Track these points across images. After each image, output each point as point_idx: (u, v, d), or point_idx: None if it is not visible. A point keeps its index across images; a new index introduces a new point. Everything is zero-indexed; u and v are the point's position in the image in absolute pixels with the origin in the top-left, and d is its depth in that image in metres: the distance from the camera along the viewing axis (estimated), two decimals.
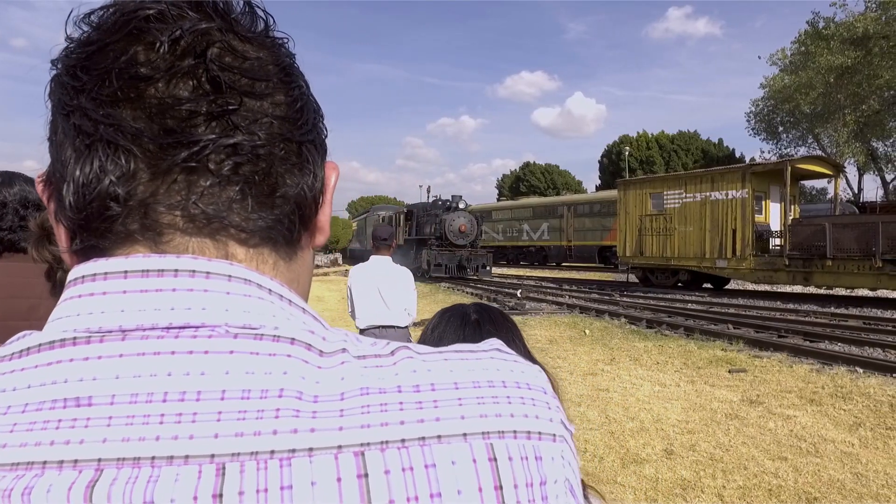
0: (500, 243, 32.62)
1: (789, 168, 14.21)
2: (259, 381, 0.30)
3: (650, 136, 50.00)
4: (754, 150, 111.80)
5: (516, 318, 10.70)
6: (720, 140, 49.20)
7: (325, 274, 26.46)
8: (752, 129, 34.83)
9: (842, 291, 14.41)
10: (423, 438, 0.31)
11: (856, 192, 34.32)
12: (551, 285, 18.44)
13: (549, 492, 0.34)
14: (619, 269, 20.60)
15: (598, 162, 53.97)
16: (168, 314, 0.32)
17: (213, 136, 0.33)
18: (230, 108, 0.34)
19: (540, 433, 0.35)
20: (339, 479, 0.29)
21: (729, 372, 6.56)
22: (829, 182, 17.85)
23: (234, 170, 0.34)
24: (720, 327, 9.44)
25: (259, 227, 0.36)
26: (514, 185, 59.90)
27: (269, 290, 0.35)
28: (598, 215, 27.62)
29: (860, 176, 34.46)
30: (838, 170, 16.35)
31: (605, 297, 14.31)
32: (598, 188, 48.06)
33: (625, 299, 13.81)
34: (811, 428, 4.68)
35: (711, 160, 43.49)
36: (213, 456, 0.28)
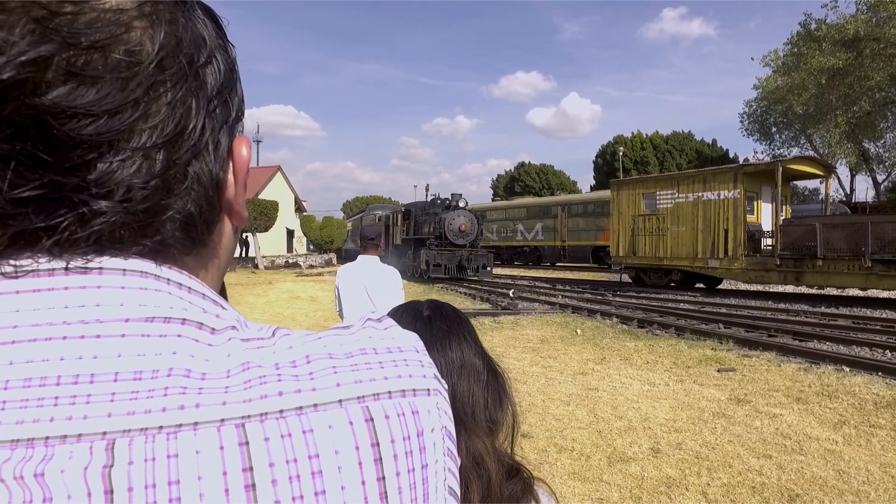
0: (494, 243, 32.66)
1: (780, 168, 14.31)
2: (150, 362, 0.32)
3: (644, 136, 50.18)
4: (748, 150, 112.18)
5: (508, 319, 10.75)
6: (714, 140, 49.46)
7: (320, 274, 26.43)
8: (746, 130, 35.01)
9: (833, 291, 14.52)
10: (301, 408, 0.33)
11: (848, 192, 34.55)
12: (545, 285, 18.48)
13: (427, 440, 0.37)
14: (612, 269, 20.67)
15: (593, 162, 54.15)
16: (62, 313, 0.33)
17: None
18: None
19: (414, 390, 0.38)
20: (221, 448, 0.31)
21: (718, 371, 6.61)
22: (821, 182, 17.96)
23: None
24: (711, 327, 9.49)
25: None
26: (509, 185, 59.96)
27: (168, 279, 0.36)
28: (592, 215, 27.71)
29: (852, 177, 34.70)
30: (829, 170, 16.47)
31: (598, 297, 14.36)
32: (592, 188, 48.20)
33: (617, 299, 13.86)
34: (797, 426, 4.73)
35: (705, 160, 43.67)
36: (104, 433, 0.30)
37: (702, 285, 16.99)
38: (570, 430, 4.70)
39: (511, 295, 14.61)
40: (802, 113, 30.14)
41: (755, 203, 15.50)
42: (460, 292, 16.50)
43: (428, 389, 0.39)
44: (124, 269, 0.35)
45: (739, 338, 8.34)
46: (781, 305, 12.68)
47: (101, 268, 0.34)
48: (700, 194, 15.46)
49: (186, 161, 0.37)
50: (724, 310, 11.71)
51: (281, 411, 0.33)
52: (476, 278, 20.13)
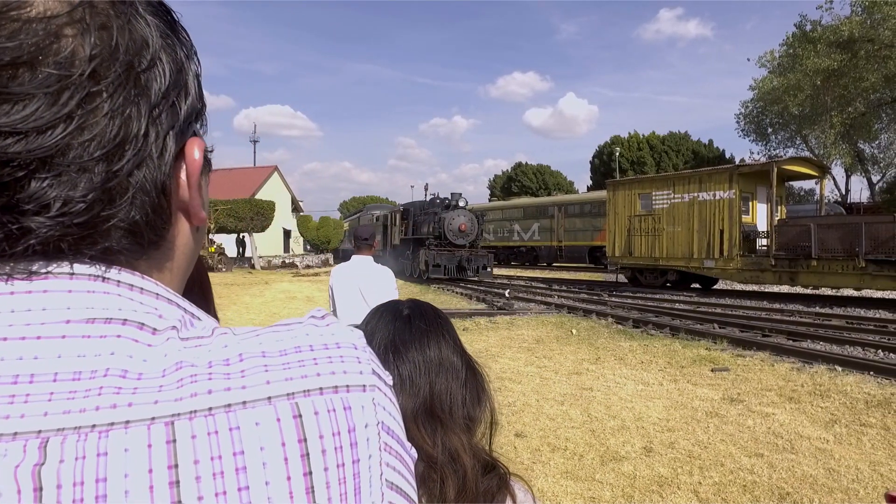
0: (491, 244, 32.65)
1: (775, 169, 14.36)
2: (88, 363, 0.33)
3: (641, 136, 50.26)
4: (744, 151, 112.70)
5: (504, 319, 10.76)
6: (710, 141, 49.55)
7: (316, 274, 26.40)
8: (742, 131, 35.16)
9: (828, 291, 14.58)
10: (230, 405, 0.34)
11: (843, 193, 34.70)
12: (541, 285, 18.51)
13: (359, 436, 0.37)
14: (608, 269, 20.69)
15: (590, 162, 54.20)
16: (6, 317, 0.34)
17: None
18: None
19: (348, 386, 0.38)
20: (149, 446, 0.32)
21: (712, 371, 6.64)
22: (816, 183, 18.03)
23: None
24: (706, 327, 9.53)
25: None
26: (505, 185, 60.00)
27: (118, 281, 0.37)
28: (588, 216, 27.75)
29: (847, 177, 34.87)
30: (824, 171, 16.54)
31: (594, 298, 14.39)
32: (589, 189, 48.25)
33: (613, 299, 13.89)
34: (788, 425, 4.76)
35: (702, 161, 43.77)
36: (39, 432, 0.31)
37: (697, 285, 17.04)
38: (563, 429, 4.72)
39: (507, 295, 14.64)
40: (798, 114, 30.27)
41: (750, 203, 15.56)
42: (456, 292, 16.52)
43: (363, 385, 0.39)
44: (72, 274, 0.35)
45: (734, 338, 8.38)
46: (776, 305, 12.74)
47: (48, 272, 0.35)
48: (696, 195, 15.51)
49: (129, 171, 0.36)
50: (719, 310, 11.75)
51: (210, 409, 0.33)
52: (476, 279, 19.85)
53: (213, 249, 29.15)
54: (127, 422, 0.32)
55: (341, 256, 37.82)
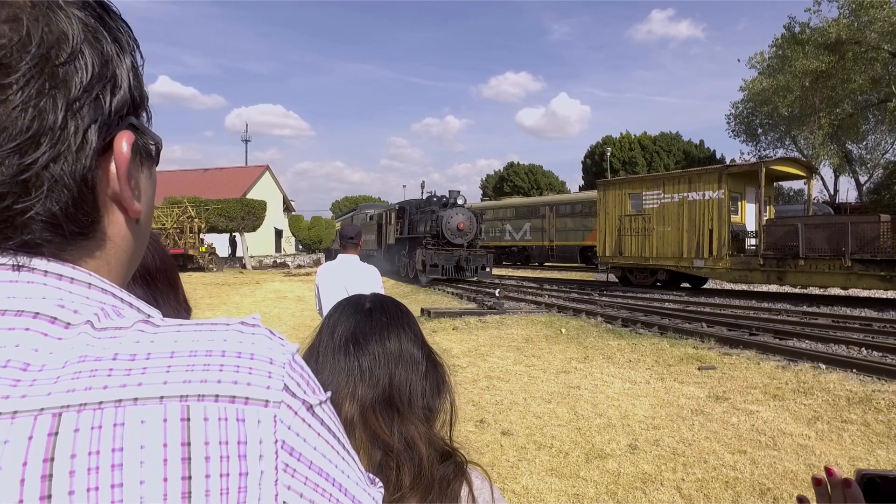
0: (482, 243, 32.70)
1: (764, 169, 14.49)
2: None
3: (633, 137, 50.50)
4: (735, 151, 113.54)
5: (494, 318, 10.79)
6: (701, 141, 49.84)
7: (308, 274, 26.32)
8: (733, 131, 35.39)
9: (816, 290, 14.73)
10: (120, 401, 0.34)
11: (832, 193, 35.05)
12: (532, 285, 18.56)
13: (250, 450, 0.36)
14: (599, 269, 20.77)
15: (582, 163, 54.37)
16: None
17: None
18: None
19: (247, 398, 0.37)
20: (30, 437, 0.32)
21: (698, 369, 6.70)
22: (804, 183, 18.21)
23: None
24: (694, 326, 9.61)
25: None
26: (498, 185, 60.07)
27: (45, 272, 0.38)
28: (579, 215, 27.86)
29: (836, 178, 35.22)
30: (811, 171, 16.70)
31: (585, 297, 14.46)
32: (581, 189, 48.43)
33: (603, 299, 13.97)
34: (772, 422, 4.81)
35: (693, 161, 44.05)
36: None
37: (687, 285, 17.16)
38: (550, 427, 4.75)
39: (497, 294, 14.67)
40: (788, 115, 30.52)
41: (739, 203, 15.70)
42: (447, 292, 16.54)
43: (266, 401, 0.38)
44: None
45: (721, 336, 8.45)
46: (764, 305, 12.85)
47: None
48: (685, 195, 15.62)
49: (44, 163, 0.36)
50: (707, 309, 11.85)
51: (100, 403, 0.34)
52: (475, 279, 19.21)
53: (203, 249, 29.01)
54: (15, 412, 0.32)
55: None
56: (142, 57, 0.45)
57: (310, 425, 0.40)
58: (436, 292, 16.88)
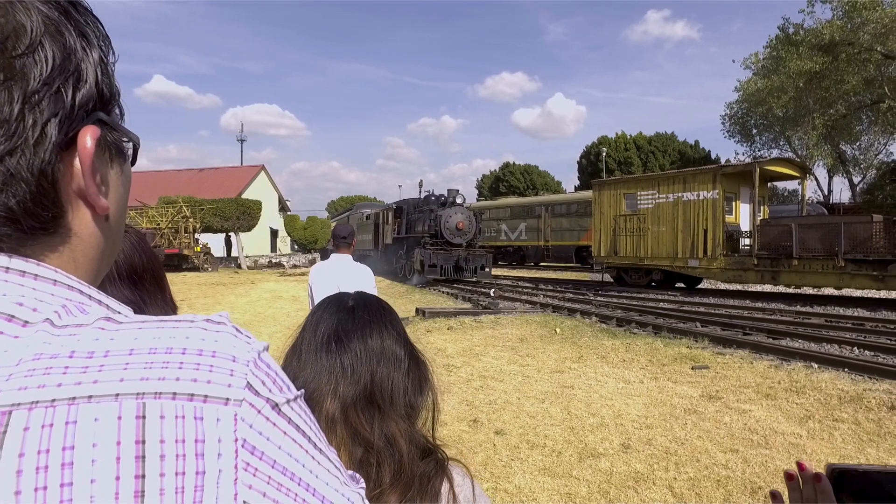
0: (478, 244, 32.72)
1: (757, 170, 14.56)
2: None
3: (628, 137, 50.63)
4: (730, 152, 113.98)
5: (489, 318, 10.80)
6: (697, 142, 50.05)
7: (303, 274, 26.29)
8: (727, 132, 35.49)
9: (809, 290, 14.81)
10: (74, 399, 0.33)
11: (826, 193, 35.23)
12: (527, 285, 18.59)
13: (208, 449, 0.36)
14: (594, 268, 20.80)
15: (577, 163, 54.47)
16: None
17: None
18: None
19: (206, 396, 0.36)
20: None
21: (692, 369, 6.72)
22: (798, 184, 18.31)
23: None
24: (688, 325, 9.64)
25: None
26: (493, 185, 60.13)
27: (6, 268, 0.37)
28: (575, 215, 27.91)
29: (830, 178, 35.39)
30: (805, 171, 16.79)
31: (580, 297, 14.49)
32: (577, 189, 48.51)
33: (598, 298, 14.00)
34: (764, 421, 4.84)
35: (688, 161, 44.19)
36: None
37: (682, 285, 17.21)
38: (543, 426, 4.76)
39: (492, 294, 14.69)
40: (782, 115, 30.65)
41: (734, 203, 15.76)
42: (443, 292, 16.54)
43: (226, 399, 0.37)
44: None
45: (715, 336, 8.48)
46: (758, 304, 12.91)
47: None
48: (680, 195, 15.67)
49: None
50: (702, 309, 11.89)
51: (53, 401, 0.33)
52: (474, 279, 18.85)
53: (198, 249, 28.94)
54: None
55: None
56: (114, 53, 0.44)
57: (274, 424, 0.40)
58: (431, 292, 16.88)
